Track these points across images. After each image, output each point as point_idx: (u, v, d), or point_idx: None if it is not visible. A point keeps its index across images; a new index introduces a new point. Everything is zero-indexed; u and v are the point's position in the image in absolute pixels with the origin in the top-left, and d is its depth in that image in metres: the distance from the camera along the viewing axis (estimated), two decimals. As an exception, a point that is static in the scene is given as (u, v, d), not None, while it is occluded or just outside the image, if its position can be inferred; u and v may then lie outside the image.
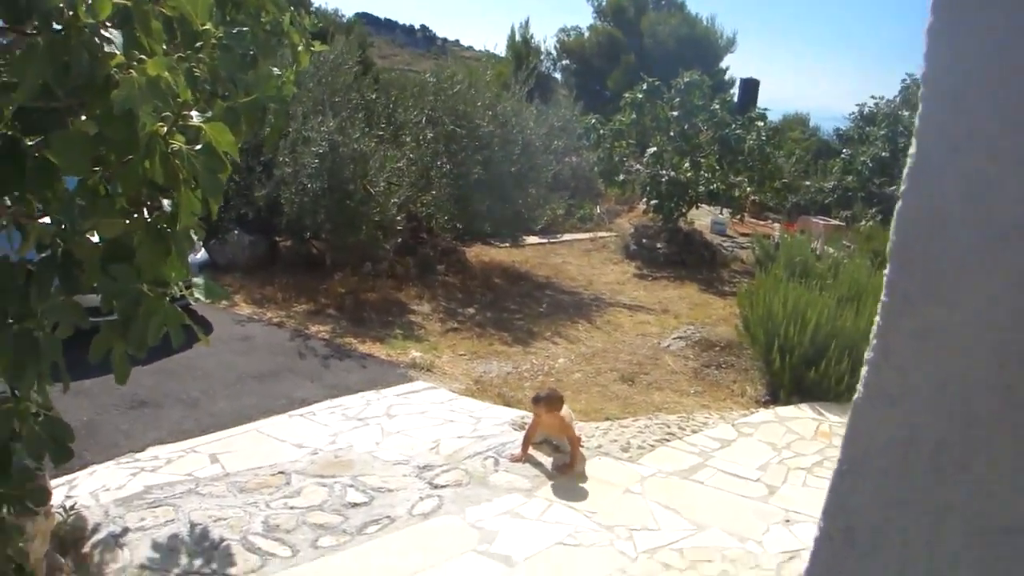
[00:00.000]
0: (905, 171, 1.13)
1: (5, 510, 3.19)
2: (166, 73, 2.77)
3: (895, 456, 1.22)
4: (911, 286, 1.15)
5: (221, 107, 3.88)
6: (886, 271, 1.21)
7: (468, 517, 5.55)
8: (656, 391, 9.15)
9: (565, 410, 6.59)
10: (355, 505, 5.68)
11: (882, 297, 1.20)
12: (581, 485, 6.11)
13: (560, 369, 9.81)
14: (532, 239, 17.50)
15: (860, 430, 1.28)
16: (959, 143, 1.05)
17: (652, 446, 7.03)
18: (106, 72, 2.71)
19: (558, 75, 32.65)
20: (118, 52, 2.64)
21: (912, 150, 1.12)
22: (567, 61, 33.63)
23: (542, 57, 30.75)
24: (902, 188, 1.14)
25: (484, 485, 6.06)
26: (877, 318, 1.22)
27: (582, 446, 6.65)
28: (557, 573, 4.89)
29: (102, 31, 2.62)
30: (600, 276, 15.62)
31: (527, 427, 6.68)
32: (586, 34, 34.04)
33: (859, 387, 1.29)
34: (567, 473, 6.35)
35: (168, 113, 2.95)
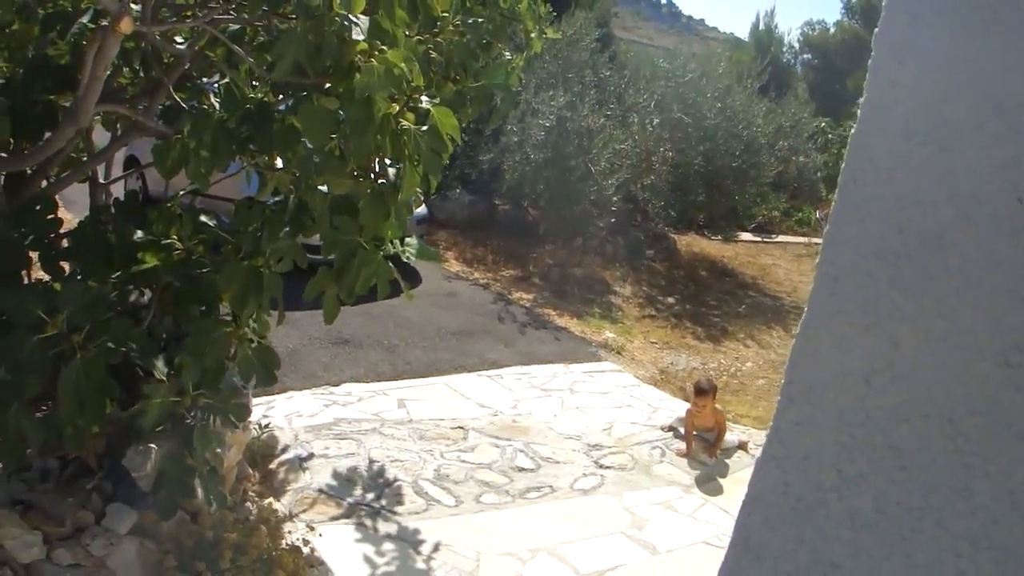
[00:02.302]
0: (836, 193, 1.24)
1: (211, 419, 3.65)
2: (403, 64, 3.09)
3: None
4: (836, 305, 1.25)
5: (451, 90, 4.25)
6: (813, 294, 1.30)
7: (624, 501, 5.77)
8: (837, 410, 8.96)
9: None
10: (522, 470, 6.02)
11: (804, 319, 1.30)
12: (738, 490, 6.17)
13: (746, 373, 9.81)
14: (745, 236, 17.30)
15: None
16: (889, 165, 1.17)
17: (817, 464, 6.98)
18: (351, 58, 3.04)
19: (798, 68, 31.73)
20: (363, 38, 2.94)
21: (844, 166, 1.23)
22: (808, 56, 32.63)
23: (784, 49, 29.96)
24: (832, 209, 1.24)
25: (647, 473, 6.26)
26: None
27: (749, 453, 6.76)
28: (694, 571, 5.04)
29: (351, 17, 2.91)
30: (806, 284, 15.19)
31: (685, 422, 6.79)
32: (831, 30, 32.90)
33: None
34: (713, 453, 6.60)
35: (401, 96, 3.30)
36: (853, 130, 1.22)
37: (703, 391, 6.64)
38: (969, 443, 1.12)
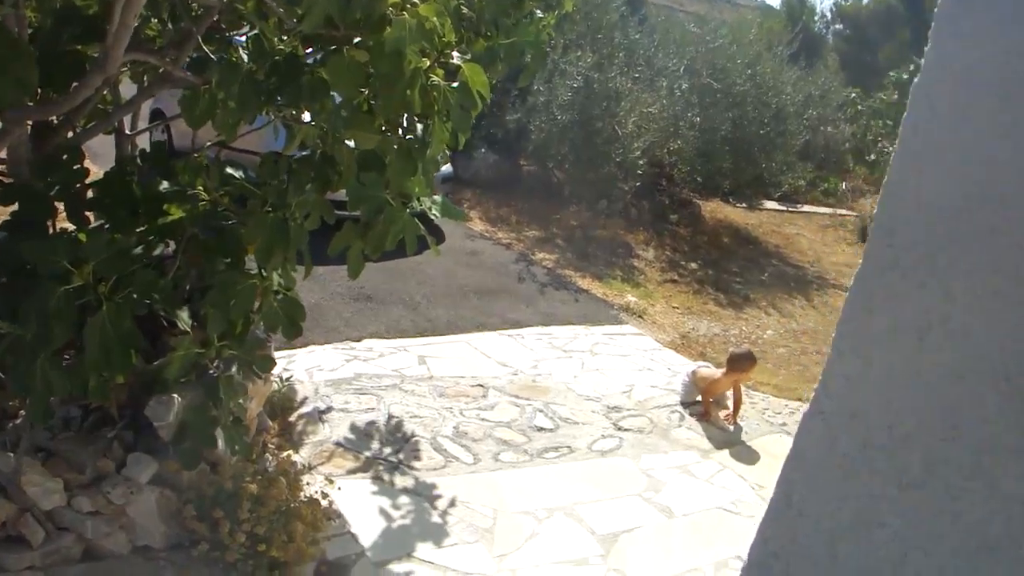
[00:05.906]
0: (888, 170, 1.23)
1: (235, 369, 3.66)
2: (435, 18, 3.05)
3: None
4: (888, 277, 1.23)
5: (482, 47, 4.21)
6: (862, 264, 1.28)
7: (642, 463, 5.79)
8: (857, 381, 8.94)
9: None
10: (541, 429, 6.04)
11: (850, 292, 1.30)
12: (755, 458, 6.21)
13: (766, 341, 9.74)
14: (770, 204, 17.12)
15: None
16: (951, 115, 1.15)
17: (836, 434, 6.97)
18: (382, 11, 3.01)
19: (829, 38, 31.23)
20: (396, -8, 2.91)
21: (897, 146, 1.21)
22: (840, 26, 32.06)
23: (815, 18, 29.50)
24: (892, 158, 1.23)
25: (665, 437, 6.27)
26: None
27: (767, 421, 6.76)
28: (710, 535, 5.06)
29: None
30: (829, 255, 15.10)
31: (706, 386, 6.78)
32: (865, 1, 32.33)
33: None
34: (733, 420, 6.64)
35: (432, 51, 3.27)
36: (916, 79, 1.20)
37: (746, 361, 6.62)
38: None
